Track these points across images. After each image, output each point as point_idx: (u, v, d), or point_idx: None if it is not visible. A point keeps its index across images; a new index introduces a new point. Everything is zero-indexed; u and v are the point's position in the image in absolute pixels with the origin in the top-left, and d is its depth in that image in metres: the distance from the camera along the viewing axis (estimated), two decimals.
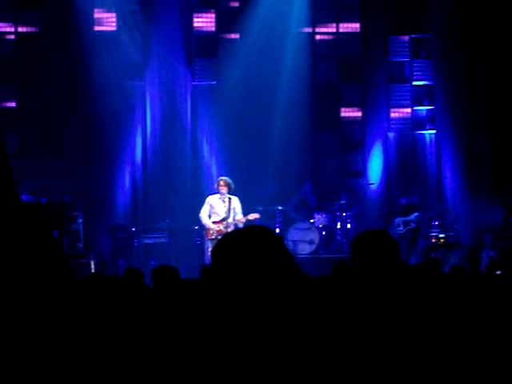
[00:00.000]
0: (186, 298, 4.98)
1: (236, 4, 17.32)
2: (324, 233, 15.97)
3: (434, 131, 17.51)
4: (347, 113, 17.54)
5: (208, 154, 17.14)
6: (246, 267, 2.49)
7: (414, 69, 17.54)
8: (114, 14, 16.75)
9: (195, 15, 17.19)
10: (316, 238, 15.57)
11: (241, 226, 13.62)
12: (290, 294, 2.49)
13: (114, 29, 16.76)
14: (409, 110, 17.49)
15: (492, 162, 16.66)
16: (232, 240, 2.57)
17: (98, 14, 16.73)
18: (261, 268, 2.49)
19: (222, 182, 13.76)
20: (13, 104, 16.92)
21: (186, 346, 2.73)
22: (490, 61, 16.77)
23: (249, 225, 2.76)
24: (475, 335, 3.86)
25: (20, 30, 16.85)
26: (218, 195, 13.83)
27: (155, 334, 4.24)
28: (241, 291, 2.47)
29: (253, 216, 13.91)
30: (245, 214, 13.83)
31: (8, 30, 16.90)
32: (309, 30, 17.38)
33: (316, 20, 17.46)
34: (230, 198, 13.74)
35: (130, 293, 5.51)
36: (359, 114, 17.52)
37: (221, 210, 13.76)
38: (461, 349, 3.60)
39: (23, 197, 15.44)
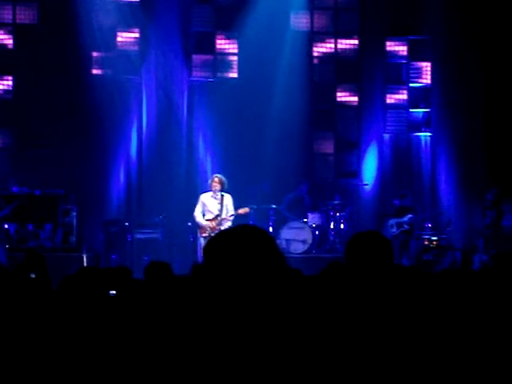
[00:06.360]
0: (179, 293, 4.98)
1: (233, 1, 17.27)
2: (317, 232, 15.97)
3: (430, 134, 17.53)
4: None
5: (203, 151, 17.13)
6: (236, 266, 2.49)
7: (411, 70, 17.55)
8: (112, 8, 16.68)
9: (193, 11, 17.16)
10: (309, 237, 15.56)
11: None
12: (280, 293, 2.49)
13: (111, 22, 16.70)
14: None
15: (487, 165, 16.67)
16: (223, 239, 2.57)
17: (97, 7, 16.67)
18: (251, 267, 2.49)
19: (216, 179, 13.70)
20: (8, 96, 16.84)
21: (179, 341, 2.73)
22: (487, 64, 16.78)
23: (240, 224, 2.77)
24: (464, 336, 3.87)
25: (18, 21, 16.80)
26: (210, 193, 13.78)
27: (148, 329, 4.24)
28: (231, 289, 2.47)
29: (243, 210, 13.87)
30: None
31: (5, 21, 16.86)
32: (307, 29, 17.38)
33: (314, 20, 17.46)
34: (222, 196, 13.70)
35: (120, 287, 5.50)
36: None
37: (214, 208, 13.71)
38: (451, 349, 3.61)
39: (16, 189, 15.42)
